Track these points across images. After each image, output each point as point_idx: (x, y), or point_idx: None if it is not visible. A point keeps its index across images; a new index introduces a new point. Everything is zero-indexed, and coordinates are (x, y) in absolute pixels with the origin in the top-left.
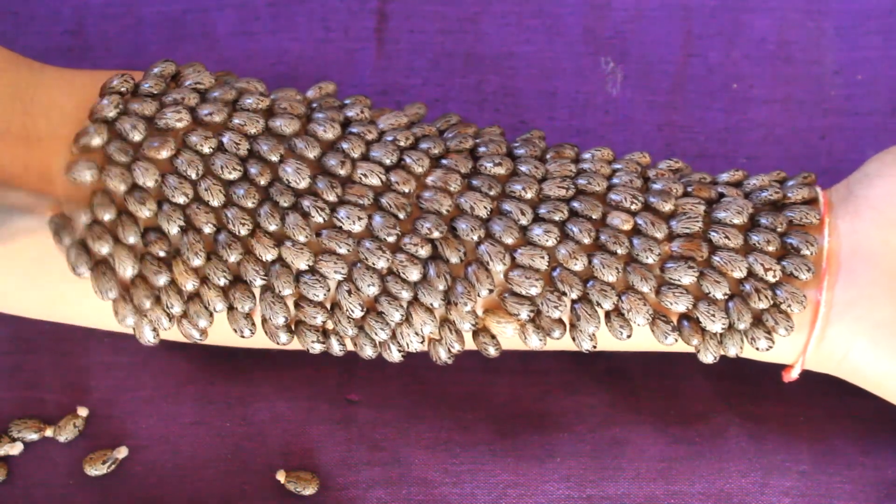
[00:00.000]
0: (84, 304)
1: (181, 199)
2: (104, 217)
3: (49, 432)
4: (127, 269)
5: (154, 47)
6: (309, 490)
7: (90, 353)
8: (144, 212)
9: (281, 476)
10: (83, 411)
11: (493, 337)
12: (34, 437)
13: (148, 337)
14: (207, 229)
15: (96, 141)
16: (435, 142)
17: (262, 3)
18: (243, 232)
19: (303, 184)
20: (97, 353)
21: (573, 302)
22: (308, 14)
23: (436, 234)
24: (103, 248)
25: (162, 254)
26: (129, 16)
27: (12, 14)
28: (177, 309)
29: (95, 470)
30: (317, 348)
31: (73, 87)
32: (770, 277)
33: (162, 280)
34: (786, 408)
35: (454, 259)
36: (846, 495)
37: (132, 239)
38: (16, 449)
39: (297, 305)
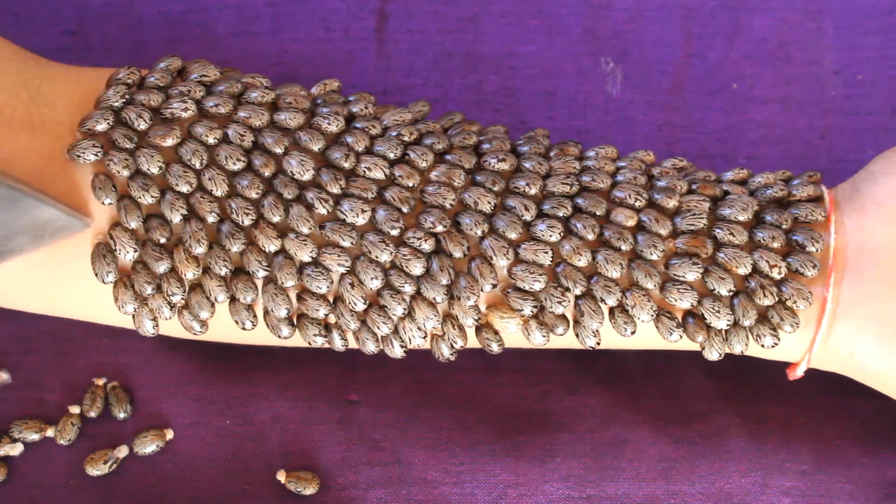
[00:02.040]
0: (83, 292)
1: (185, 188)
2: (104, 201)
3: (50, 432)
4: (127, 253)
5: (154, 47)
6: (309, 490)
7: (90, 353)
8: (147, 198)
9: (281, 476)
10: (75, 409)
11: (496, 333)
12: (35, 437)
13: (147, 328)
14: (211, 218)
15: (101, 126)
16: (439, 138)
17: (262, 3)
18: (247, 222)
19: (307, 176)
20: (97, 353)
21: (577, 298)
22: (308, 14)
23: (439, 229)
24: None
25: (163, 240)
26: (129, 16)
27: (12, 14)
28: (178, 297)
29: (96, 470)
30: (318, 342)
31: (79, 81)
32: (775, 274)
33: (163, 267)
34: (786, 408)
35: (458, 253)
36: (846, 495)
37: (134, 223)
38: (16, 449)
39: (299, 298)
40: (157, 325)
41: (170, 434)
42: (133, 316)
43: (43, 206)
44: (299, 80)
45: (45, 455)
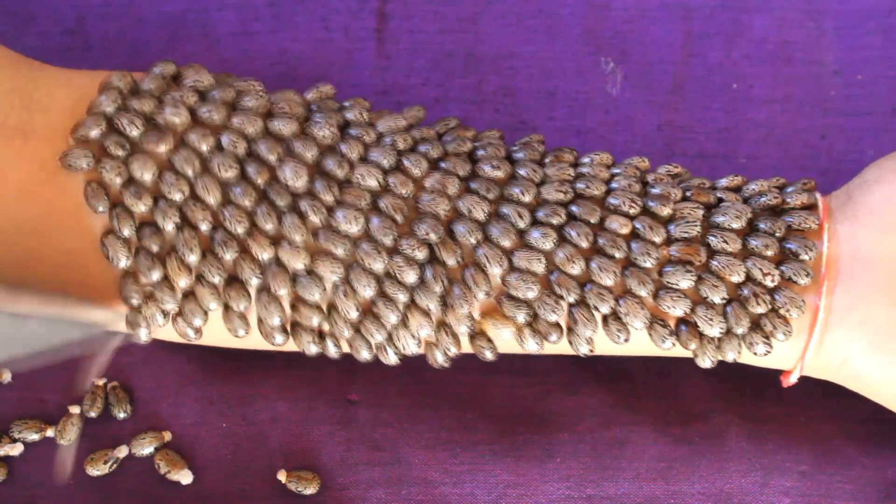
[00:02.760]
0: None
1: (177, 196)
2: (97, 209)
3: (50, 432)
4: (120, 261)
5: (154, 47)
6: (310, 490)
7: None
8: (140, 206)
9: (282, 476)
10: (75, 409)
11: (490, 340)
12: (35, 437)
13: (141, 335)
14: (204, 226)
15: (94, 132)
16: (433, 145)
17: (262, 3)
18: (240, 230)
19: (300, 184)
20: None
21: (570, 306)
22: (308, 14)
23: (433, 237)
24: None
25: (156, 249)
26: (129, 16)
27: (12, 14)
28: (171, 306)
29: (96, 470)
30: (312, 350)
31: (71, 86)
32: (768, 282)
33: (155, 275)
34: (786, 408)
35: (451, 262)
36: (846, 495)
37: (126, 232)
38: (16, 450)
39: (293, 306)
40: (150, 333)
41: (168, 436)
42: (126, 322)
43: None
44: (299, 79)
45: (45, 455)
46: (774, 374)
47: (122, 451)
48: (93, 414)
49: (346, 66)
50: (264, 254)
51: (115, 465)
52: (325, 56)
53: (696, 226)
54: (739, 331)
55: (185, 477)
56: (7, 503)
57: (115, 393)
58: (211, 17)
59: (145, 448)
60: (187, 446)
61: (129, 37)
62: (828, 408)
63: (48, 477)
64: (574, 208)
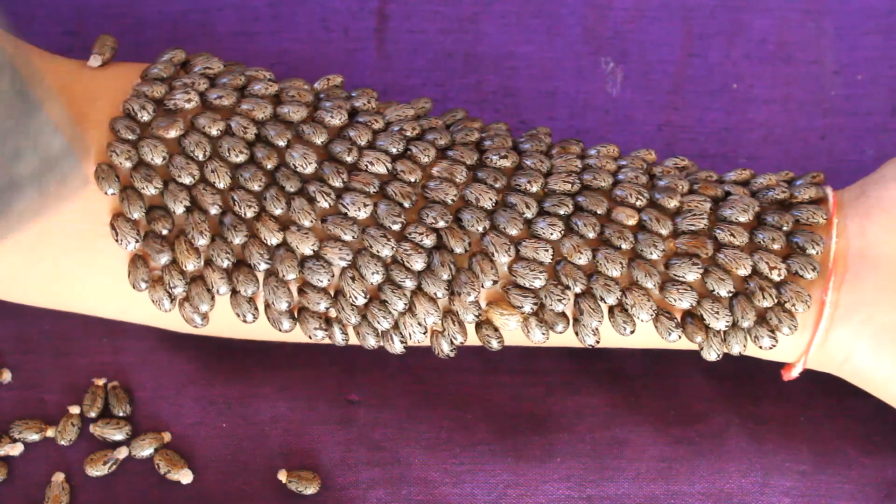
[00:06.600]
0: (84, 283)
1: (187, 180)
2: (107, 191)
3: (50, 433)
4: (129, 244)
5: (154, 47)
6: (311, 489)
7: (90, 353)
8: (150, 189)
9: (283, 475)
10: (75, 409)
11: (496, 330)
12: (35, 437)
13: (165, 305)
14: (213, 210)
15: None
16: (441, 133)
17: (262, 4)
18: (249, 214)
19: (309, 169)
20: (97, 353)
21: (577, 296)
22: (308, 14)
23: (441, 224)
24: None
25: (165, 232)
26: (129, 16)
27: (12, 14)
28: (179, 290)
29: (96, 470)
30: (319, 335)
31: (81, 73)
32: (775, 276)
33: (164, 259)
34: (786, 408)
35: (459, 249)
36: (846, 495)
37: (136, 214)
38: (16, 449)
39: (300, 291)
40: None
41: (167, 437)
42: (148, 293)
43: (55, 132)
44: None
45: (45, 455)
46: (775, 374)
47: (122, 452)
48: (93, 414)
49: (346, 66)
50: (273, 238)
51: (114, 466)
52: (325, 56)
53: (703, 219)
54: (745, 324)
55: (185, 477)
56: (7, 503)
57: (115, 393)
58: (211, 17)
59: (145, 450)
60: (187, 446)
61: (129, 37)
62: (828, 408)
63: (48, 477)
64: (581, 199)
